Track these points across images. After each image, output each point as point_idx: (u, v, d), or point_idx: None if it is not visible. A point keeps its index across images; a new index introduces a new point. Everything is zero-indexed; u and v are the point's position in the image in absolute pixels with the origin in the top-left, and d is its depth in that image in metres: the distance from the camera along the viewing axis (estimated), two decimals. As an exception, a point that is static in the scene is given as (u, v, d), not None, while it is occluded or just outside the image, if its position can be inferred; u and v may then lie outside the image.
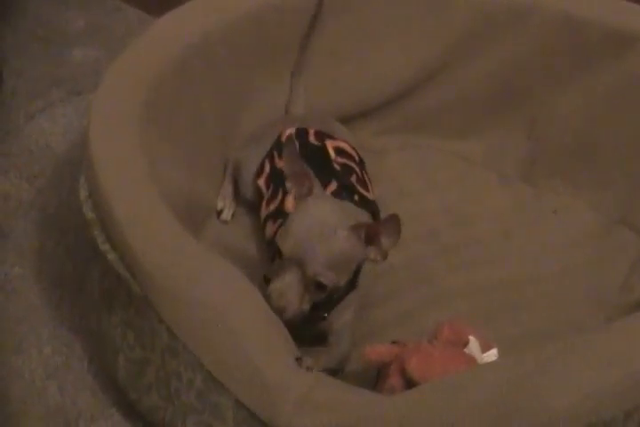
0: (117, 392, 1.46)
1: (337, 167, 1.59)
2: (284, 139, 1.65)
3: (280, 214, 1.55)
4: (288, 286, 1.34)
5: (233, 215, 1.76)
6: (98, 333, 1.47)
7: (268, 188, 1.63)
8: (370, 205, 1.56)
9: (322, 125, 1.71)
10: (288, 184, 1.41)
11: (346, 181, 1.56)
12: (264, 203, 1.62)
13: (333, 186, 1.53)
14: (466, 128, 1.95)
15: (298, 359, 1.25)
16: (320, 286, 1.35)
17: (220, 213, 1.75)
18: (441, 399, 1.17)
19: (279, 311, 1.32)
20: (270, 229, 1.57)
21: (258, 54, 1.79)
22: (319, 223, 1.35)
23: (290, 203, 1.50)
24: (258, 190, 1.67)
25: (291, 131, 1.65)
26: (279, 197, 1.58)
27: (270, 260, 1.54)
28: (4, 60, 2.06)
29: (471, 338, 1.39)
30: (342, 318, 1.47)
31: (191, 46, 1.65)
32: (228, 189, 1.76)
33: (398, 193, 1.84)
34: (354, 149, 1.68)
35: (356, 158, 1.66)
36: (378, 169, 1.84)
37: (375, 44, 1.88)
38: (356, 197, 1.54)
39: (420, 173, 1.90)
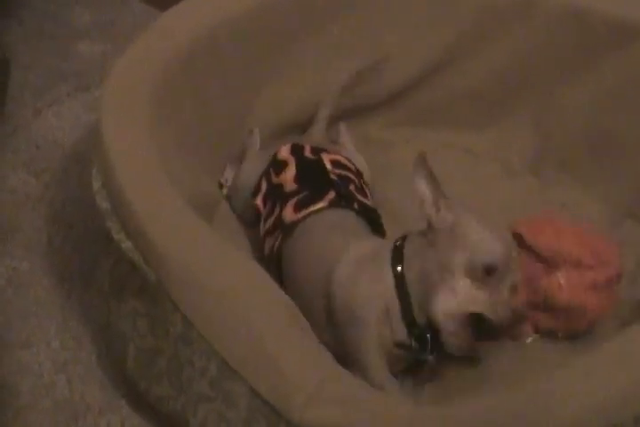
0: (126, 385, 1.46)
1: (334, 178, 1.59)
2: (279, 156, 1.66)
3: (278, 228, 1.55)
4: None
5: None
6: (107, 324, 1.47)
7: (265, 205, 1.63)
8: (370, 213, 1.57)
9: (334, 148, 1.72)
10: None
11: (344, 191, 1.57)
12: (262, 220, 1.62)
13: (331, 195, 1.54)
14: (473, 121, 1.95)
15: None
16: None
17: (221, 186, 1.77)
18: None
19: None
20: (269, 245, 1.56)
21: (263, 47, 1.79)
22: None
23: (289, 212, 1.53)
24: (255, 209, 1.66)
25: (285, 148, 1.67)
26: (276, 212, 1.58)
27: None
28: (12, 55, 2.06)
29: None
30: None
31: (197, 39, 1.66)
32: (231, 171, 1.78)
33: (405, 186, 1.83)
34: (351, 161, 1.69)
35: (354, 169, 1.67)
36: (385, 162, 1.84)
37: (377, 36, 1.88)
38: (356, 206, 1.55)
39: (427, 166, 1.90)
